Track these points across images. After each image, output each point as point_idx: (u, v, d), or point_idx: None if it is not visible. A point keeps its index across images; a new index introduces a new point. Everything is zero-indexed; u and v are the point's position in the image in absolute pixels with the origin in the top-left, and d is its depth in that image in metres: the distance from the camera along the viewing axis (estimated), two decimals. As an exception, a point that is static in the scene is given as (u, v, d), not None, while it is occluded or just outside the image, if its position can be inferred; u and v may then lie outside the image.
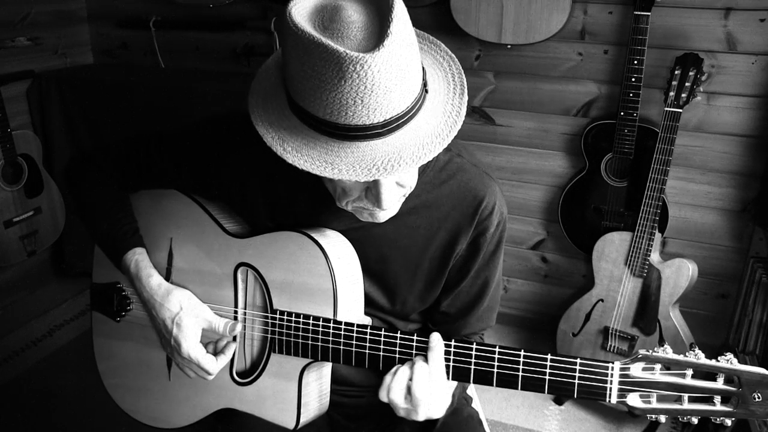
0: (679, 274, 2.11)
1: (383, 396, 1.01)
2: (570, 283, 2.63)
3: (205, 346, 1.15)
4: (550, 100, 2.45)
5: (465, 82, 0.94)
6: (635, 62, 2.08)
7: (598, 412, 2.35)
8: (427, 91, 0.91)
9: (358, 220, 1.11)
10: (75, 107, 2.75)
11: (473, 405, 1.32)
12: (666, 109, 2.02)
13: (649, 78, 2.17)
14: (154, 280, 1.18)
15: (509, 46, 2.35)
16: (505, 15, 2.28)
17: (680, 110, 2.01)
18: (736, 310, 2.33)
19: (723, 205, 2.32)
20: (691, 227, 2.38)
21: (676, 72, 2.01)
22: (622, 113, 2.15)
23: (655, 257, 2.15)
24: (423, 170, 1.06)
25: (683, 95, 2.00)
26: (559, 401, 2.42)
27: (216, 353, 1.15)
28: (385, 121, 0.84)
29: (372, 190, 0.94)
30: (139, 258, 1.20)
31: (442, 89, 0.93)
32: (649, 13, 2.03)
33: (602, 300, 2.25)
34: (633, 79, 2.10)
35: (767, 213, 2.15)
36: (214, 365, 1.13)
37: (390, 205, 0.95)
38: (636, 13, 2.04)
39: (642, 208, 2.10)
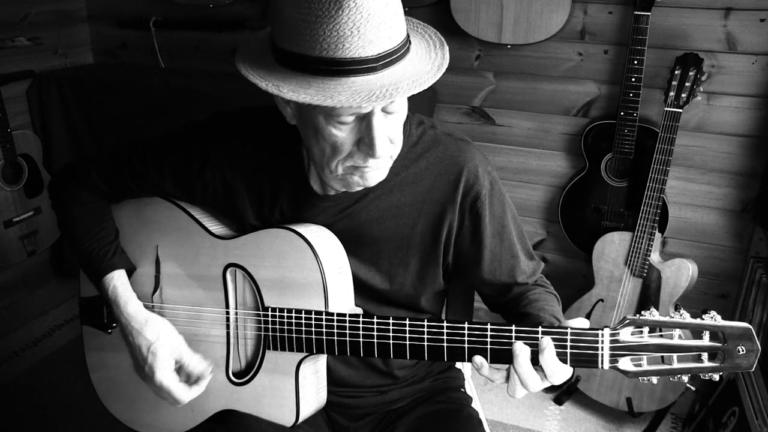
0: (679, 274, 2.11)
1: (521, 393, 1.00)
2: (570, 283, 2.63)
3: (179, 374, 1.16)
4: (550, 100, 2.45)
5: (443, 39, 1.00)
6: (635, 62, 2.08)
7: (599, 412, 2.35)
8: (410, 42, 0.97)
9: (343, 210, 1.11)
10: (75, 107, 2.74)
11: (473, 405, 1.32)
12: (666, 109, 2.02)
13: (649, 78, 2.17)
14: (131, 306, 1.19)
15: (509, 46, 2.35)
16: (505, 15, 2.28)
17: (680, 110, 2.01)
18: (736, 310, 2.33)
19: (723, 205, 2.32)
20: (691, 227, 2.38)
21: (676, 72, 2.01)
22: (622, 113, 2.15)
23: (655, 257, 2.15)
24: None
25: (683, 95, 2.00)
26: (559, 401, 2.42)
27: (189, 383, 1.16)
28: (379, 54, 0.89)
29: (365, 139, 0.95)
30: (116, 283, 1.20)
31: (423, 44, 1.00)
32: (649, 13, 2.03)
33: (602, 300, 2.25)
34: (633, 79, 2.10)
35: (767, 213, 2.15)
36: (186, 395, 1.14)
37: (383, 152, 0.96)
38: (636, 13, 2.04)
39: (642, 208, 2.10)
